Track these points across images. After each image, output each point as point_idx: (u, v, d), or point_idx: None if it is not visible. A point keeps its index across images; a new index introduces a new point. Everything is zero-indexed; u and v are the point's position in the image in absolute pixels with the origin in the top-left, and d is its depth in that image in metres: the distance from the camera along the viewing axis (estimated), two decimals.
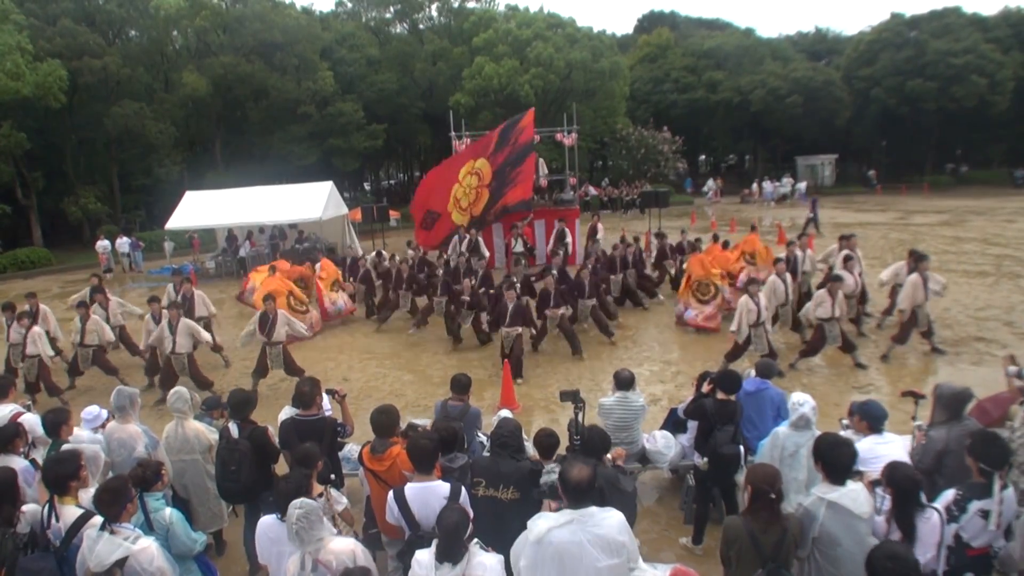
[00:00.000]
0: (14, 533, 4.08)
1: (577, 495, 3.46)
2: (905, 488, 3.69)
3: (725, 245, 14.38)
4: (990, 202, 32.29)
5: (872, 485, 3.92)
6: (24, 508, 4.19)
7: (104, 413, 5.91)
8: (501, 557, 3.64)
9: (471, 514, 3.78)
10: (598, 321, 11.97)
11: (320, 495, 4.45)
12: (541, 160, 22.89)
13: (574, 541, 3.39)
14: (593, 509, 3.46)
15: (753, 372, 6.53)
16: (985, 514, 3.82)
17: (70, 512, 4.08)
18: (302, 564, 3.60)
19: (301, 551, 3.60)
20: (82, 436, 5.47)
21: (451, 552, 3.46)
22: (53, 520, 4.06)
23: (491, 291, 12.34)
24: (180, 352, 9.92)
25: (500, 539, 3.81)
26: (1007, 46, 40.62)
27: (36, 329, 10.28)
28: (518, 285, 12.04)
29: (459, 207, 18.59)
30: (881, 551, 3.27)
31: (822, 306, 9.82)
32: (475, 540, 3.64)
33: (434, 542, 3.56)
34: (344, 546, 3.70)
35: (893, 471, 3.77)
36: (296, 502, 3.62)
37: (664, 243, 16.24)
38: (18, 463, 4.84)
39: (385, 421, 4.70)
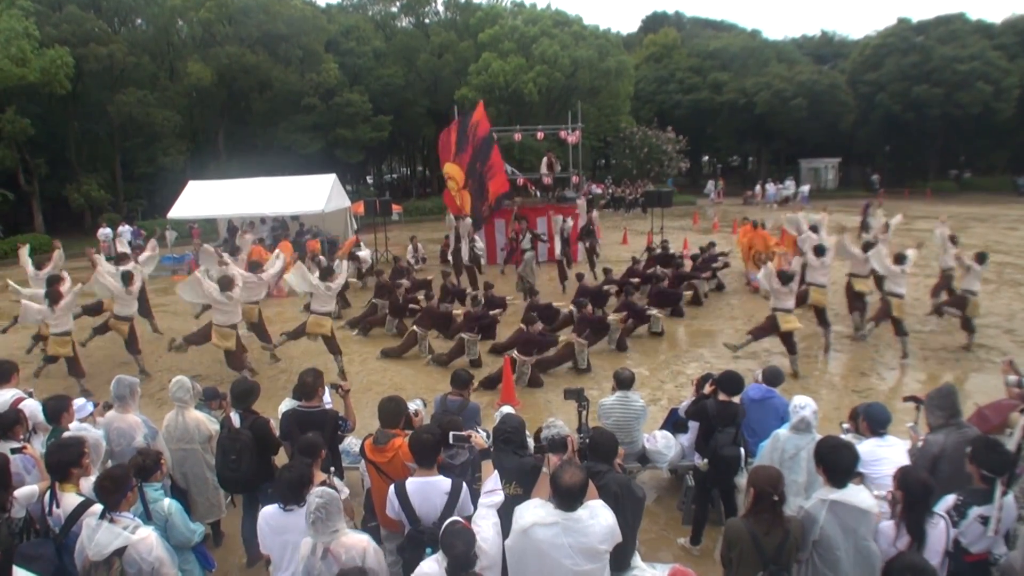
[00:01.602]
0: (8, 518, 4.09)
1: (568, 498, 3.46)
2: (917, 493, 3.67)
3: (763, 226, 16.88)
4: (992, 209, 32.28)
5: (891, 498, 3.91)
6: (16, 493, 4.19)
7: (90, 405, 5.93)
8: (497, 521, 3.70)
9: (475, 526, 3.78)
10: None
11: (322, 483, 4.46)
12: (554, 158, 22.85)
13: (555, 544, 3.41)
14: (581, 513, 3.46)
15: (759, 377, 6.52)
16: (985, 520, 3.82)
17: (70, 499, 4.08)
18: (313, 549, 3.62)
19: (315, 539, 3.62)
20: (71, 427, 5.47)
21: (461, 573, 3.44)
22: (54, 507, 4.06)
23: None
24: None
25: (503, 535, 3.81)
26: (1013, 53, 40.59)
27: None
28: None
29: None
30: (900, 563, 3.27)
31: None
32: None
33: (440, 553, 3.49)
34: (357, 542, 3.70)
35: (905, 475, 3.76)
36: (318, 491, 3.65)
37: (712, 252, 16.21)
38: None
39: (392, 409, 4.74)
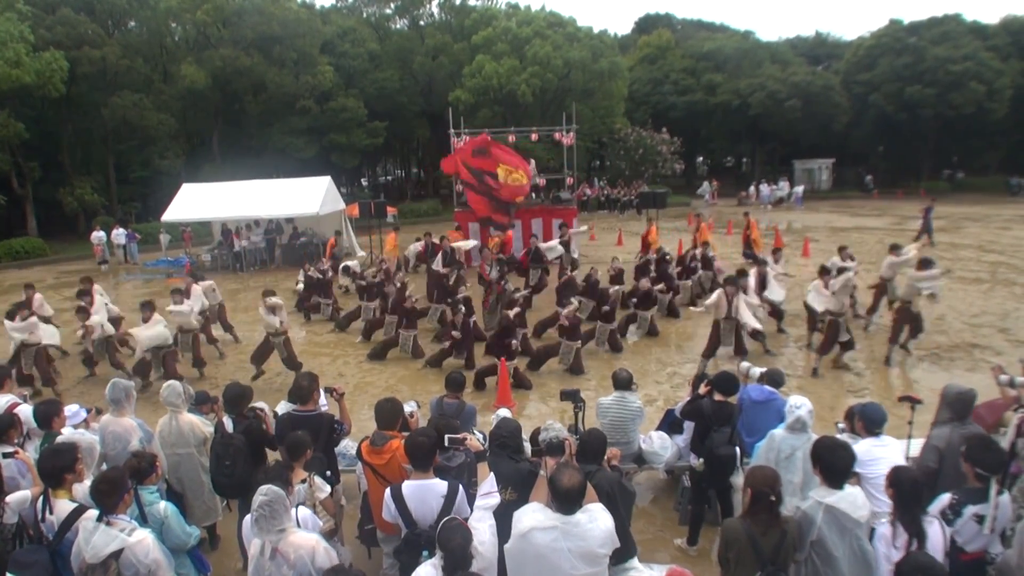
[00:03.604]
0: (1, 524, 4.07)
1: (567, 501, 3.45)
2: (905, 489, 3.67)
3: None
4: (986, 209, 32.40)
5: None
6: (9, 499, 4.17)
7: (83, 412, 5.92)
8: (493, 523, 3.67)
9: (471, 529, 3.77)
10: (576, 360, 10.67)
11: (303, 481, 4.45)
12: (532, 160, 22.91)
13: (554, 548, 3.39)
14: (579, 517, 3.45)
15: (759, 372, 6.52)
16: (980, 519, 3.83)
17: (63, 506, 4.06)
18: (261, 550, 3.61)
19: (261, 538, 3.61)
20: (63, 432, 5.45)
21: (458, 570, 3.45)
22: (47, 513, 4.04)
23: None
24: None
25: (498, 539, 3.80)
26: (1006, 54, 40.77)
27: (33, 319, 10.27)
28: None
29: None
30: (909, 563, 3.26)
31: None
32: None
33: (437, 556, 3.47)
34: (305, 540, 3.67)
35: (896, 474, 3.76)
36: (263, 488, 3.60)
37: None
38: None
39: (390, 410, 4.75)
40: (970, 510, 3.85)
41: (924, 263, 10.50)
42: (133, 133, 32.34)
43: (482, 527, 3.72)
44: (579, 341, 10.60)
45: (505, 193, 18.11)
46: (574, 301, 11.09)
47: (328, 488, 4.67)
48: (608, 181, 41.18)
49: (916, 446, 5.84)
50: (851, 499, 3.73)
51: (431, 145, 46.56)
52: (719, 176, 49.07)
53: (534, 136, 23.41)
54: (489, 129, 23.10)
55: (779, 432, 5.06)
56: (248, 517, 3.94)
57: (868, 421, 4.90)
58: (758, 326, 10.36)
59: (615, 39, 47.94)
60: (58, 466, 4.10)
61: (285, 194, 22.61)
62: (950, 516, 3.85)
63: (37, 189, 30.96)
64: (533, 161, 22.70)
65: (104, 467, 5.17)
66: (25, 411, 5.66)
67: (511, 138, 23.91)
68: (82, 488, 4.21)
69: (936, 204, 23.30)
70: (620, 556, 3.90)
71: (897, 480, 3.73)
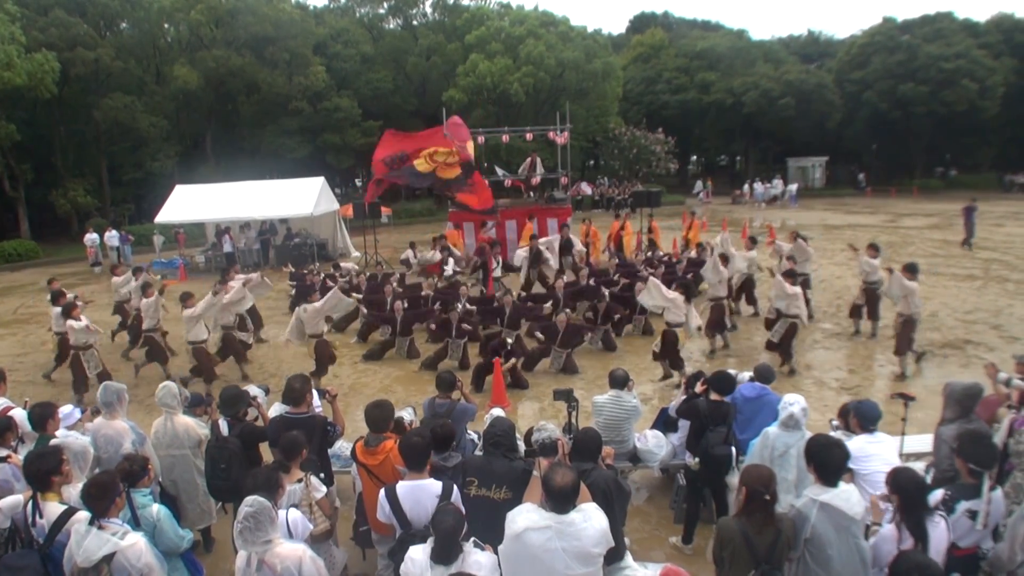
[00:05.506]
0: None
1: (560, 500, 3.44)
2: (910, 491, 3.66)
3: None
4: (978, 206, 32.45)
5: (883, 498, 3.91)
6: (1, 503, 4.15)
7: (77, 412, 5.89)
8: (494, 556, 3.64)
9: (464, 512, 3.78)
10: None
11: (299, 480, 4.43)
12: (538, 159, 22.87)
13: (548, 548, 3.38)
14: (573, 517, 3.43)
15: (748, 376, 6.53)
16: (973, 515, 3.84)
17: (53, 508, 4.03)
18: (247, 561, 3.57)
19: (247, 550, 3.57)
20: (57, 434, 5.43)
21: (447, 554, 3.45)
22: (37, 517, 4.02)
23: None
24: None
25: (492, 539, 3.77)
26: (998, 52, 40.94)
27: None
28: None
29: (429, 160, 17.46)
30: (906, 562, 3.26)
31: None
32: (471, 539, 3.64)
33: (429, 540, 3.52)
34: (292, 551, 3.62)
35: (897, 476, 3.75)
36: (248, 500, 3.55)
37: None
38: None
39: (379, 414, 4.69)
40: (963, 506, 3.86)
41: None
42: (126, 135, 32.23)
43: (484, 552, 3.70)
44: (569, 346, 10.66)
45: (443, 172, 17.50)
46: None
47: (324, 488, 4.66)
48: (607, 180, 41.21)
49: (910, 443, 5.88)
50: (846, 496, 3.72)
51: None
52: (713, 175, 49.18)
53: (528, 136, 23.39)
54: (483, 129, 23.11)
55: (773, 430, 5.07)
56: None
57: (862, 418, 4.91)
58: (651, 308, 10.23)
59: (608, 38, 48.02)
60: (43, 470, 4.08)
61: (279, 195, 22.56)
62: (943, 512, 3.86)
63: (29, 191, 30.85)
64: (530, 159, 22.66)
65: (97, 471, 5.15)
66: (19, 414, 5.63)
67: (504, 138, 23.91)
68: (74, 490, 4.19)
69: (979, 203, 22.33)
70: (610, 558, 3.90)
71: (898, 483, 3.71)
